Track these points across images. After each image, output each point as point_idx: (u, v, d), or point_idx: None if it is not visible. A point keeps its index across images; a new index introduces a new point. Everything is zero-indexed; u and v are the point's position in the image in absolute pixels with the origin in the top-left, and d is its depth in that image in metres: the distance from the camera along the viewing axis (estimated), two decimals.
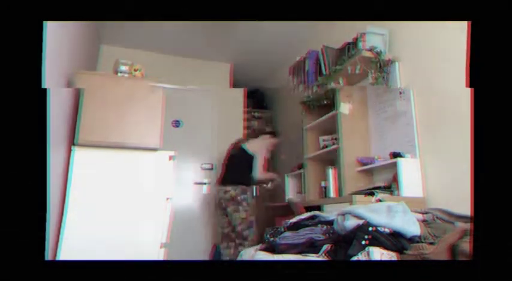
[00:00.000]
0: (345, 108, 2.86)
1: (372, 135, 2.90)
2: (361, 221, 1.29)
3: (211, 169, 4.15)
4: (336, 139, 3.02)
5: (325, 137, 3.24)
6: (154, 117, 2.37)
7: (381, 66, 2.52)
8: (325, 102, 3.07)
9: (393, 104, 2.65)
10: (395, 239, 1.22)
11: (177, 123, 4.18)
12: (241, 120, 4.46)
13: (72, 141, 2.24)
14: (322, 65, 2.97)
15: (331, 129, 3.13)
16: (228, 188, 2.97)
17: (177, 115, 4.16)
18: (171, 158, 2.44)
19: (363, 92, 3.00)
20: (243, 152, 3.18)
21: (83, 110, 2.21)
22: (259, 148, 3.24)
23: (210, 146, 4.22)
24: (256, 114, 5.10)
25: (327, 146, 3.14)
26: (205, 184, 4.09)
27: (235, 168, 3.13)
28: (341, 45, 2.84)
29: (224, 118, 4.31)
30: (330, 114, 2.99)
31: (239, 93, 4.52)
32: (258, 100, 5.21)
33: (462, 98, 1.88)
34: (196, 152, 4.16)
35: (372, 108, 2.93)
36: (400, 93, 2.55)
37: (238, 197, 2.94)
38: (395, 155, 2.46)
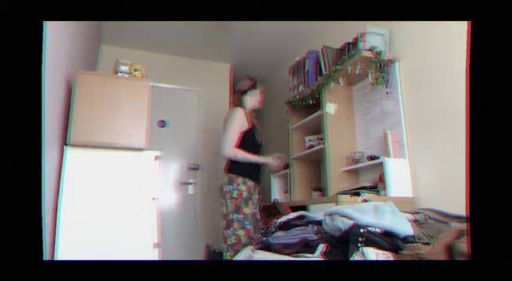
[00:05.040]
0: (330, 108, 2.86)
1: (358, 136, 2.91)
2: (352, 221, 1.28)
3: (197, 169, 4.14)
4: (321, 139, 3.02)
5: (311, 137, 3.24)
6: (140, 117, 2.38)
7: (381, 66, 2.52)
8: (311, 102, 3.07)
9: (380, 104, 2.65)
10: (389, 239, 1.22)
11: (163, 124, 4.16)
12: None
13: (64, 141, 2.24)
14: (322, 65, 2.98)
15: (317, 129, 3.14)
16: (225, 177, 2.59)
17: (163, 115, 4.15)
18: (156, 158, 2.44)
19: (349, 92, 3.00)
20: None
21: (74, 110, 2.22)
22: (229, 116, 2.68)
23: (195, 146, 4.22)
24: None
25: (312, 146, 3.14)
26: (190, 184, 4.09)
27: None
28: (341, 45, 2.84)
29: (210, 118, 4.30)
30: (316, 114, 2.99)
31: (226, 93, 4.51)
32: None
33: (460, 98, 1.88)
34: (183, 153, 4.16)
35: (359, 108, 2.93)
36: (387, 93, 2.55)
37: (224, 188, 2.54)
38: (373, 158, 2.50)
